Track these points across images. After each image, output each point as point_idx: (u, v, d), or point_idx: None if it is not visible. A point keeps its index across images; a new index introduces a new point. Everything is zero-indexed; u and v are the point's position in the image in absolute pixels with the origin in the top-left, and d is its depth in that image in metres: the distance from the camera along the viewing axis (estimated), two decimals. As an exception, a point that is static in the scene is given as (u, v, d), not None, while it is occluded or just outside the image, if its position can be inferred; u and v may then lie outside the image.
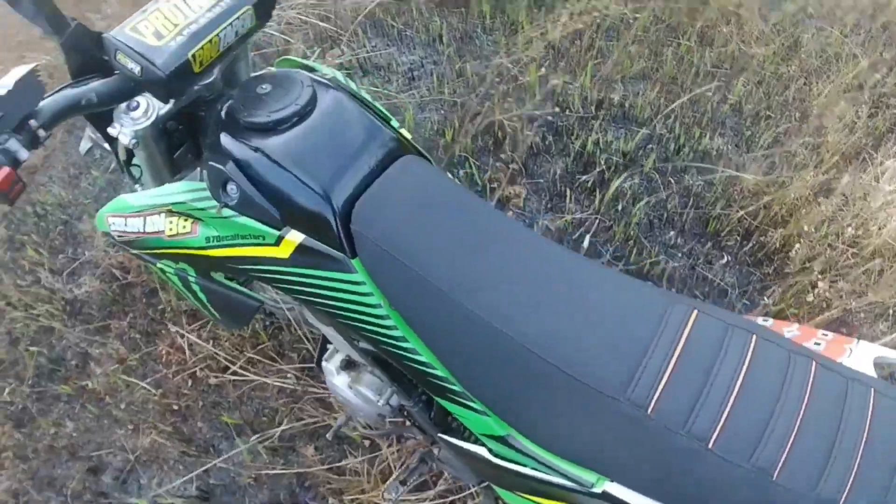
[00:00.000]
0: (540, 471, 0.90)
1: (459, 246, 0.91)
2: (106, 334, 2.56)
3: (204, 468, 2.20)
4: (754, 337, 0.83)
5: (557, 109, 2.79)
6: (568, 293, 0.88)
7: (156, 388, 2.37)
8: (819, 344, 0.95)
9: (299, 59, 1.18)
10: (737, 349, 0.81)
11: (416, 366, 0.94)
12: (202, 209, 1.02)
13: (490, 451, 0.97)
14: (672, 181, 2.68)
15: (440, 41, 3.12)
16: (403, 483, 1.49)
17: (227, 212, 0.99)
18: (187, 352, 2.38)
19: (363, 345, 1.06)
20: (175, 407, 2.34)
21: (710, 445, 0.75)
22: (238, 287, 1.17)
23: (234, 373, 2.31)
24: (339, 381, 1.27)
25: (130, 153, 1.12)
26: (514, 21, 3.11)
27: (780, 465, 0.73)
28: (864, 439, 0.73)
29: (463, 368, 0.91)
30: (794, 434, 0.74)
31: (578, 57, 2.99)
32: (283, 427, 2.17)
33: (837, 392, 0.78)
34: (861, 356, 0.90)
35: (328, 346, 1.32)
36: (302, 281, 0.98)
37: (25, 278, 2.76)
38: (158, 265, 1.19)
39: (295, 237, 0.95)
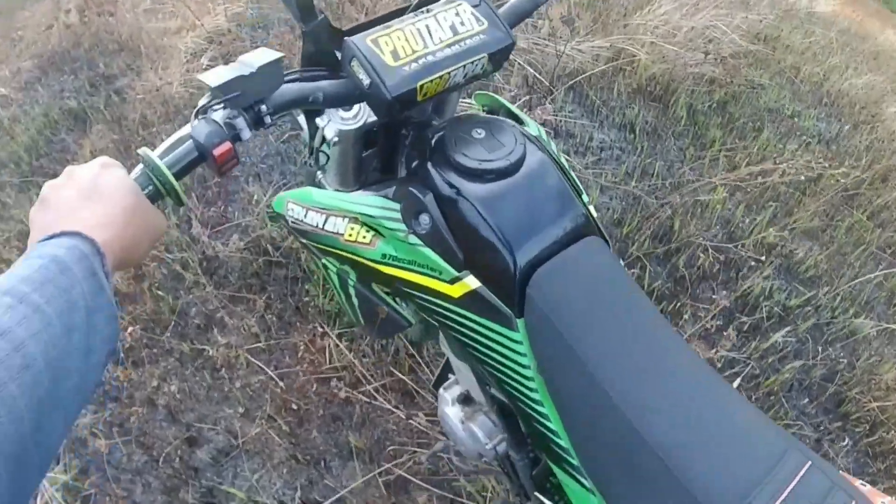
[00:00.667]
0: None
1: (620, 340, 0.94)
2: (238, 305, 2.46)
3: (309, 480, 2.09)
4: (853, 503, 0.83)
5: (730, 244, 2.77)
6: (705, 411, 0.90)
7: (280, 379, 2.26)
8: None
9: (502, 100, 1.18)
10: None
11: (543, 430, 0.97)
12: (390, 229, 1.03)
13: None
14: (820, 349, 2.65)
15: (631, 130, 3.11)
16: None
17: (413, 239, 1.01)
18: (327, 354, 2.28)
19: (495, 391, 1.08)
20: (294, 406, 2.23)
21: None
22: (394, 304, 1.19)
23: (369, 394, 2.22)
24: (451, 413, 1.28)
25: (323, 142, 1.13)
26: (704, 134, 3.11)
27: None
28: None
29: (587, 448, 0.93)
30: None
31: (758, 192, 2.98)
32: (405, 466, 2.07)
33: None
34: None
35: (450, 375, 1.34)
36: (464, 322, 1.01)
37: (168, 216, 2.67)
38: (324, 260, 1.21)
39: (471, 282, 0.97)
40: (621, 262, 1.12)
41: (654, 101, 3.22)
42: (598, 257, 1.01)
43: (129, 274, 2.52)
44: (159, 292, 2.47)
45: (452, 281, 0.98)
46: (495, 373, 1.01)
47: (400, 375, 2.25)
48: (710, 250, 2.70)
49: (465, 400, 1.29)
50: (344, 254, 1.12)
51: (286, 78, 0.90)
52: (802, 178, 2.98)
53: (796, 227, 2.88)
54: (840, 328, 2.74)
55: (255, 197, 2.71)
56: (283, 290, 2.48)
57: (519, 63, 3.06)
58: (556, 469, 1.00)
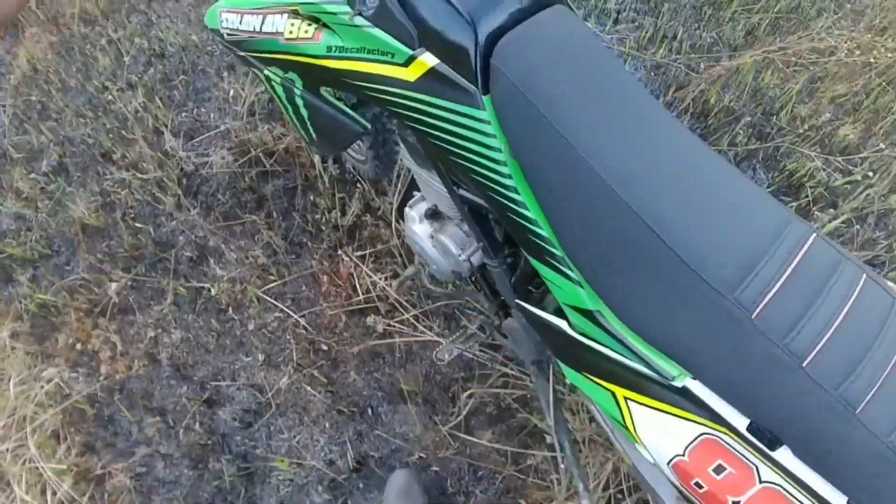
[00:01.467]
0: (620, 354, 0.87)
1: (598, 106, 0.86)
2: (234, 229, 2.02)
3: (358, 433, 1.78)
4: (864, 276, 0.81)
5: (764, 118, 2.33)
6: (698, 182, 0.84)
7: (300, 316, 1.88)
8: None
9: None
10: (846, 282, 0.79)
11: (520, 220, 0.91)
12: (332, 13, 0.97)
13: (570, 324, 0.94)
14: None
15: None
16: (458, 347, 1.46)
17: (359, 20, 0.94)
18: (351, 279, 1.88)
19: (464, 192, 1.01)
20: (324, 347, 1.86)
21: (804, 364, 0.73)
22: (345, 108, 1.12)
23: (408, 322, 1.85)
24: (420, 230, 1.23)
25: None
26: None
27: (865, 401, 0.71)
28: None
29: (570, 232, 0.87)
30: (883, 377, 0.73)
31: (786, 64, 2.50)
32: (465, 410, 1.74)
33: None
34: None
35: (414, 193, 1.28)
36: (424, 108, 0.94)
37: (131, 130, 2.16)
38: (265, 72, 1.14)
39: (428, 60, 0.90)
40: (595, 32, 0.95)
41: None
42: (567, 23, 0.92)
43: (95, 202, 2.06)
44: (136, 223, 2.02)
45: (407, 62, 0.92)
46: (465, 163, 0.94)
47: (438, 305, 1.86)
48: (749, 127, 2.27)
49: (433, 215, 1.22)
50: (286, 57, 1.05)
51: None
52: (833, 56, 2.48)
53: (832, 100, 2.42)
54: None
55: (232, 93, 2.18)
56: (285, 204, 2.04)
57: None
58: (538, 265, 0.93)
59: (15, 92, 2.37)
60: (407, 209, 1.27)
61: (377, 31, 0.94)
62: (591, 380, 0.96)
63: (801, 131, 2.20)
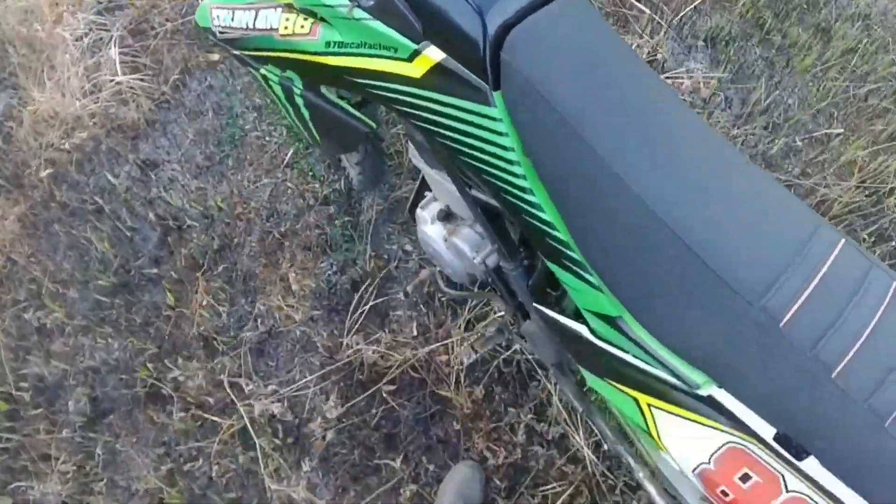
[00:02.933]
0: (643, 360, 0.85)
1: (617, 104, 0.82)
2: (369, 483, 1.68)
3: None
4: (895, 284, 0.78)
5: None
6: (723, 186, 0.82)
7: None
8: None
9: None
10: (876, 290, 0.77)
11: (536, 223, 0.87)
12: (329, 6, 0.93)
13: (590, 329, 0.92)
14: None
15: None
16: (476, 351, 1.43)
17: (358, 13, 0.90)
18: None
19: (476, 193, 0.98)
20: None
21: (833, 375, 0.71)
22: (348, 108, 1.08)
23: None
24: (432, 231, 1.18)
25: None
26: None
27: (895, 414, 0.69)
28: None
29: (589, 236, 0.84)
30: None
31: None
32: None
33: None
34: None
35: (425, 193, 1.23)
36: (430, 107, 0.90)
37: (173, 350, 1.72)
38: (262, 71, 1.09)
39: (434, 55, 0.86)
40: (610, 24, 0.85)
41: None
42: (581, 14, 0.86)
43: (161, 466, 1.66)
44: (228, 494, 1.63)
45: (411, 57, 0.87)
46: (475, 163, 0.89)
47: None
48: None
49: (446, 216, 1.18)
50: (283, 54, 1.01)
51: None
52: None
53: None
54: None
55: (296, 276, 1.74)
56: (423, 439, 1.69)
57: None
58: (555, 269, 0.90)
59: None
60: (419, 210, 1.21)
61: (378, 25, 0.89)
62: (613, 385, 0.94)
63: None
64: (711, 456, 0.84)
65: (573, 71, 0.82)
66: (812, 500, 0.78)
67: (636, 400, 0.91)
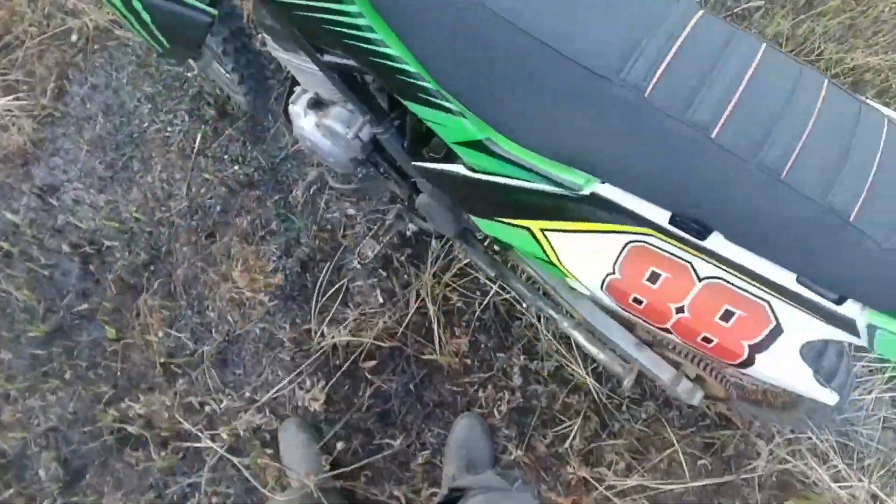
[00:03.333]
0: (521, 179, 0.83)
1: None
2: (378, 469, 1.58)
3: None
4: (763, 46, 0.76)
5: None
6: None
7: None
8: None
9: None
10: (744, 52, 0.75)
11: (384, 61, 0.84)
12: None
13: (466, 165, 0.90)
14: None
15: None
16: (379, 241, 1.44)
17: None
18: None
19: (329, 57, 0.95)
20: None
21: (712, 135, 0.69)
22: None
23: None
24: (306, 123, 1.16)
25: None
26: None
27: (788, 166, 0.69)
28: (877, 162, 0.70)
29: (434, 57, 0.80)
30: (803, 139, 0.70)
31: None
32: None
33: (850, 112, 0.75)
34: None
35: (295, 89, 1.21)
36: None
37: (131, 383, 1.58)
38: None
39: None
40: None
41: None
42: None
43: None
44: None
45: None
46: (310, 14, 0.85)
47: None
48: None
49: (316, 104, 1.15)
50: None
51: None
52: None
53: None
54: None
55: (239, 278, 1.59)
56: (419, 409, 1.58)
57: None
58: (416, 108, 0.87)
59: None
60: (290, 107, 1.19)
61: None
62: (504, 223, 0.93)
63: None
64: (615, 264, 0.82)
65: None
66: (727, 282, 0.77)
67: (529, 229, 0.89)
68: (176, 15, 1.02)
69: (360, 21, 0.81)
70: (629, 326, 1.22)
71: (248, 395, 1.62)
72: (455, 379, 1.60)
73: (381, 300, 1.65)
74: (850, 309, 0.72)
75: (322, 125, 1.14)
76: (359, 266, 1.65)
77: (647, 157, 0.73)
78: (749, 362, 0.84)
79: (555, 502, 1.52)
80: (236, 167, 1.80)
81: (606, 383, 1.57)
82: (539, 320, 1.58)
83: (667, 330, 0.87)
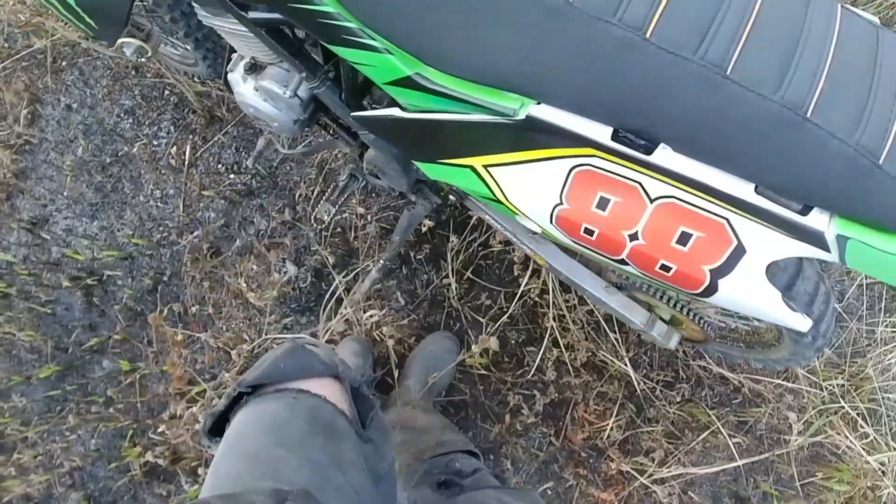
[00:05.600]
0: (456, 111, 0.79)
1: None
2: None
3: None
4: None
5: None
6: None
7: None
8: None
9: None
10: None
11: (303, 6, 0.80)
12: None
13: (400, 107, 0.87)
14: None
15: None
16: (334, 204, 1.40)
17: None
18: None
19: (254, 14, 0.93)
20: None
21: (647, 35, 0.64)
22: None
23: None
24: (245, 90, 1.14)
25: None
26: None
27: (733, 61, 0.64)
28: (832, 51, 0.66)
29: None
30: (746, 30, 0.65)
31: None
32: None
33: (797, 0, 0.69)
34: None
35: (231, 57, 1.18)
36: None
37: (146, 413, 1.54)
38: None
39: None
40: None
41: None
42: None
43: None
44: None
45: None
46: None
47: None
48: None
49: (253, 68, 1.13)
50: None
51: None
52: None
53: None
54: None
55: (247, 285, 1.53)
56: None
57: None
58: (342, 52, 0.83)
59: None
60: (229, 75, 1.16)
61: None
62: (447, 164, 0.89)
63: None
64: (561, 193, 0.77)
65: None
66: (680, 199, 0.72)
67: (472, 168, 0.85)
68: None
69: None
70: (597, 271, 1.18)
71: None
72: (486, 381, 1.56)
73: (402, 301, 1.59)
74: (817, 219, 0.67)
75: (260, 88, 1.11)
76: (248, 171, 1.62)
77: (580, 67, 0.68)
78: (712, 289, 0.78)
79: (595, 497, 1.49)
80: (232, 176, 1.72)
81: (640, 369, 1.53)
82: (566, 310, 1.53)
83: (623, 262, 0.81)
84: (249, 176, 1.70)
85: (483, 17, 0.70)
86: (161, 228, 1.70)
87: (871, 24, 0.71)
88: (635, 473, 1.48)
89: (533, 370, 1.53)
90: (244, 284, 1.61)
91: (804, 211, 0.67)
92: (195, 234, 1.68)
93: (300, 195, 1.67)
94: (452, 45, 0.74)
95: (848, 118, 0.64)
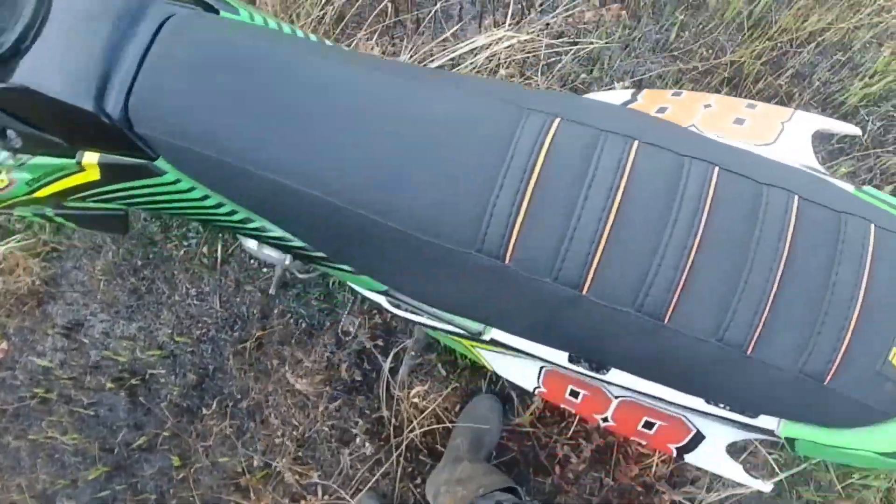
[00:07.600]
0: (435, 319, 0.88)
1: (251, 106, 0.77)
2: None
3: None
4: (635, 144, 0.68)
5: None
6: (392, 131, 0.73)
7: None
8: (743, 121, 0.85)
9: None
10: (610, 165, 0.67)
11: (277, 242, 0.89)
12: (0, 162, 0.94)
13: (389, 302, 0.93)
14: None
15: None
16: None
17: (23, 156, 0.91)
18: None
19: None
20: None
21: (584, 291, 0.66)
22: (94, 204, 1.06)
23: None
24: (250, 245, 1.18)
25: None
26: None
27: (670, 310, 0.65)
28: (779, 275, 0.63)
29: (310, 240, 0.85)
30: (683, 277, 0.64)
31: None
32: None
33: (748, 205, 0.66)
34: (797, 131, 0.81)
35: None
36: (128, 195, 0.90)
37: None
38: (16, 213, 1.12)
39: (91, 158, 0.86)
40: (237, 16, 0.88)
41: None
42: (190, 36, 0.79)
43: None
44: None
45: (81, 168, 0.86)
46: (195, 217, 0.91)
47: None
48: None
49: None
50: (12, 201, 1.00)
51: None
52: None
53: None
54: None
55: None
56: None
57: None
58: (319, 267, 0.93)
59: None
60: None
61: (39, 159, 0.89)
62: (439, 331, 0.95)
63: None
64: (538, 380, 0.87)
65: (194, 104, 0.78)
66: (637, 399, 0.80)
67: (461, 343, 0.92)
68: (93, 217, 1.06)
69: (236, 217, 0.87)
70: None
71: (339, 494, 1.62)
72: (534, 436, 1.67)
73: (443, 372, 1.70)
74: (767, 421, 0.72)
75: (262, 252, 1.18)
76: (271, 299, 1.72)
77: (526, 313, 0.72)
78: (680, 459, 0.88)
79: (651, 534, 1.60)
80: (265, 269, 1.81)
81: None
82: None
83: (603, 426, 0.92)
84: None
85: (429, 267, 0.75)
86: (200, 325, 1.76)
87: (832, 211, 0.67)
88: (686, 503, 1.60)
89: (576, 420, 1.65)
90: (290, 372, 1.68)
91: (753, 415, 0.72)
92: (235, 328, 1.75)
93: (333, 281, 1.78)
94: (409, 283, 0.81)
95: (793, 346, 0.63)
